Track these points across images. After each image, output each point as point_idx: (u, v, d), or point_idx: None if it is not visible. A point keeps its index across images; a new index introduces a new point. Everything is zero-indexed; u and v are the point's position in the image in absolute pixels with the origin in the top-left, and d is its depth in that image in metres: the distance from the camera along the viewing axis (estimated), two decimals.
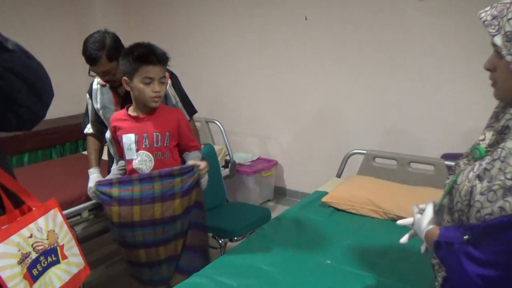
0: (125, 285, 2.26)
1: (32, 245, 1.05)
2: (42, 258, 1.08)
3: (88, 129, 2.03)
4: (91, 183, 1.84)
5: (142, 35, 4.06)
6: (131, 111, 1.69)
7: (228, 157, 3.06)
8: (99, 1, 4.15)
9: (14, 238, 1.00)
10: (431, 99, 2.79)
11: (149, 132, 1.65)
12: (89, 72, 1.83)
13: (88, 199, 1.99)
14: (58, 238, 1.14)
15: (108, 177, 1.78)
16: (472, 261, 0.76)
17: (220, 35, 3.79)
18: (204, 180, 1.73)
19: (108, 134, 1.95)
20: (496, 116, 0.89)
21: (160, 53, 1.59)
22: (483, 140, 0.87)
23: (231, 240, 2.21)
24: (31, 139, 3.44)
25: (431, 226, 0.97)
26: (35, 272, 1.05)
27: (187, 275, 1.58)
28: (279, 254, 1.63)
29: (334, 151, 3.22)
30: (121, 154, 1.75)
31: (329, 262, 1.56)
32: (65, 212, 1.98)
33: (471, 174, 0.83)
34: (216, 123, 3.21)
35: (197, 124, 2.45)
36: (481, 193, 0.75)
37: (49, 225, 1.13)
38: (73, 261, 1.19)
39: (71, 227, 1.71)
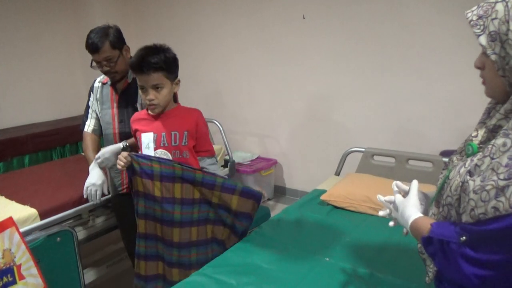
0: (126, 285, 2.27)
1: None
2: None
3: (88, 127, 2.03)
4: (93, 180, 1.79)
5: (141, 35, 4.09)
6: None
7: (227, 157, 3.06)
8: (99, 1, 4.16)
9: None
10: (430, 96, 2.79)
11: (167, 130, 1.65)
12: (91, 64, 1.85)
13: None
14: (15, 258, 1.11)
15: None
16: (469, 262, 0.76)
17: (218, 34, 3.80)
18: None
19: (107, 131, 1.96)
20: (488, 112, 0.90)
21: (150, 61, 1.52)
22: (476, 136, 0.88)
23: None
24: (31, 141, 3.45)
25: (419, 215, 0.94)
26: None
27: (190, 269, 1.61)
28: (278, 252, 1.64)
29: (333, 149, 3.23)
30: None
31: (328, 259, 1.57)
32: (65, 213, 2.00)
33: (462, 170, 0.84)
34: (215, 123, 3.21)
35: None
36: (475, 192, 0.75)
37: (5, 244, 1.09)
38: (31, 282, 1.15)
39: (72, 227, 1.71)
